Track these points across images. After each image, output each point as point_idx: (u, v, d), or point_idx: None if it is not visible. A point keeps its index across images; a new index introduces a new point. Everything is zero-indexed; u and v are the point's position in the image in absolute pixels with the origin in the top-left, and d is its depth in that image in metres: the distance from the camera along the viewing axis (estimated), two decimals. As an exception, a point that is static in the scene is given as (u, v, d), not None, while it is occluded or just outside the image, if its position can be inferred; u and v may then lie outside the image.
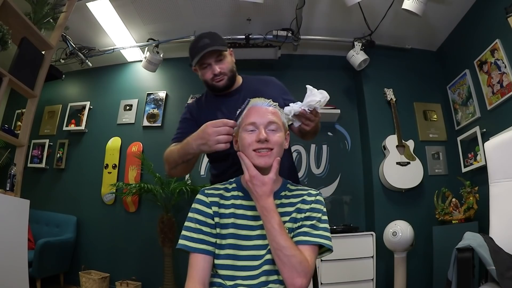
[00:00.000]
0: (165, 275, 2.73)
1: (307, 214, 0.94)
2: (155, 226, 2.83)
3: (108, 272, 2.97)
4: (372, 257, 2.55)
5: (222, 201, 0.96)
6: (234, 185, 1.01)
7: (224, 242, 0.91)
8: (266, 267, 0.89)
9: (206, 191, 0.98)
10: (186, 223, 0.94)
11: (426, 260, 2.62)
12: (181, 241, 0.91)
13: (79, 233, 3.18)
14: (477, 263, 1.21)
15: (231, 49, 1.30)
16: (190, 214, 0.95)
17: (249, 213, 0.94)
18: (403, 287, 2.42)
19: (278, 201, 0.97)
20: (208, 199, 0.96)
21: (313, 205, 0.96)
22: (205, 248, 0.90)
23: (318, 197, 0.99)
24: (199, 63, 1.22)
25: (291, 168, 1.33)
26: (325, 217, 0.96)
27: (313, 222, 0.92)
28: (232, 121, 1.01)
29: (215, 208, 0.94)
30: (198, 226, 0.92)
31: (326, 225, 0.94)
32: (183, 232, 0.92)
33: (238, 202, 0.96)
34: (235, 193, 0.98)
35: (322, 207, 0.97)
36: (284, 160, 1.27)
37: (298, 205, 0.96)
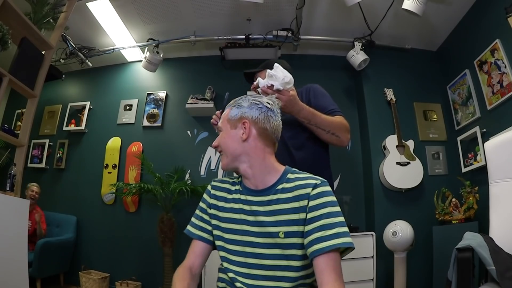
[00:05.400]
0: (165, 275, 2.72)
1: (310, 215, 0.81)
2: (155, 226, 2.83)
3: (108, 272, 2.97)
4: (372, 257, 2.55)
5: (224, 194, 0.98)
6: (236, 179, 1.02)
7: (226, 236, 0.93)
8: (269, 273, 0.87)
9: (212, 183, 1.03)
10: (196, 211, 1.01)
11: (426, 260, 2.62)
12: (187, 227, 0.99)
13: (79, 233, 3.18)
14: (477, 263, 1.21)
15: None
16: (199, 203, 1.02)
17: (247, 207, 0.92)
18: (403, 287, 2.42)
19: (275, 196, 0.88)
20: (211, 191, 1.00)
21: (313, 202, 0.82)
22: (201, 234, 0.95)
23: (319, 189, 0.83)
24: None
25: (315, 155, 1.38)
26: (336, 209, 0.81)
27: (321, 222, 0.79)
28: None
29: (213, 201, 0.98)
30: (201, 214, 0.99)
31: (340, 219, 0.79)
32: (191, 219, 1.00)
33: (237, 196, 0.96)
34: (237, 187, 0.99)
35: (327, 199, 0.82)
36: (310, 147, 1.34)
37: (293, 204, 0.85)
